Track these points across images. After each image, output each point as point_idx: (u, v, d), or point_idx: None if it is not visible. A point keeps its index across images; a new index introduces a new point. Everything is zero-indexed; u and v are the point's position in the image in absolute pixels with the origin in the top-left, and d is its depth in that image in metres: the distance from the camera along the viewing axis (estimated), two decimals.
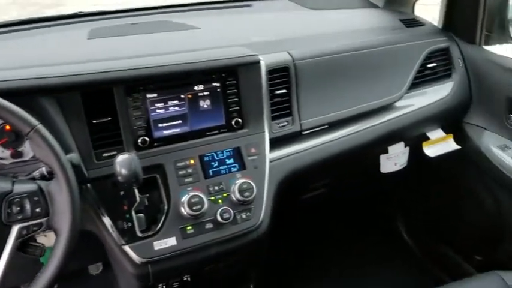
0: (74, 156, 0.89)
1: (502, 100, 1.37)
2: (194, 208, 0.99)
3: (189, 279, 1.08)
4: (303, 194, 1.42)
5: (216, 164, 1.08)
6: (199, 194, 1.01)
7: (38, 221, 0.80)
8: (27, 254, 0.84)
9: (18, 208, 0.79)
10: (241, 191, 1.04)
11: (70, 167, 0.82)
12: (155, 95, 1.02)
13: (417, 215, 1.88)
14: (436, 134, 1.46)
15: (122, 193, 0.99)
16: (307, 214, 1.73)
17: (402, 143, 1.42)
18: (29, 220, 0.80)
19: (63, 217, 0.80)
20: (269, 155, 1.13)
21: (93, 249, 1.36)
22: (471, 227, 1.58)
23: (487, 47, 1.44)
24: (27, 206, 0.79)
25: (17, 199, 0.79)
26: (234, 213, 1.04)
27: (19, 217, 0.79)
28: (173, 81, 1.04)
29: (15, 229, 0.79)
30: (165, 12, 1.46)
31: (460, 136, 1.48)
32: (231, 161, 1.09)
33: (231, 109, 1.10)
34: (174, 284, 1.07)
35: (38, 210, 0.80)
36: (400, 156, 1.43)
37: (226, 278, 1.20)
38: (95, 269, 1.67)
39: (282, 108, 1.18)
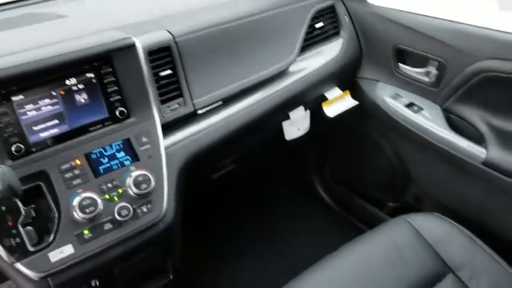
0: None
1: (390, 50, 1.41)
2: (87, 211, 0.93)
3: (97, 283, 1.03)
4: (212, 173, 1.39)
5: (106, 160, 1.01)
6: (91, 195, 0.95)
7: None
8: None
9: None
10: (137, 184, 0.99)
11: None
12: (22, 97, 0.93)
13: (329, 171, 1.93)
14: (333, 93, 1.48)
15: (3, 208, 0.91)
16: (221, 193, 1.72)
17: (302, 108, 1.43)
18: None
19: None
20: (163, 142, 1.09)
21: None
22: (379, 176, 1.65)
23: (371, 1, 1.47)
24: None
25: None
26: (134, 209, 0.99)
27: None
28: (40, 79, 0.95)
29: None
30: (27, 4, 1.34)
31: (356, 91, 1.51)
32: (122, 154, 1.03)
33: (112, 99, 1.03)
34: None
35: None
36: (301, 121, 1.44)
37: (141, 274, 1.16)
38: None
39: (170, 90, 1.13)
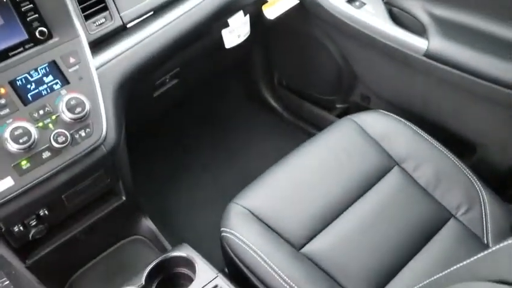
0: None
1: None
2: (21, 141, 0.89)
3: (46, 212, 1.02)
4: (154, 91, 1.34)
5: (34, 86, 0.95)
6: (23, 125, 0.90)
7: None
8: None
9: None
10: (70, 108, 0.94)
11: None
12: None
13: (277, 78, 1.91)
14: None
15: None
16: (166, 110, 1.68)
17: (241, 13, 1.36)
18: None
19: None
20: (94, 61, 1.02)
21: None
22: (326, 78, 1.64)
23: None
24: None
25: None
26: (71, 134, 0.95)
27: None
28: None
29: None
30: None
31: None
32: (50, 78, 0.96)
33: (29, 19, 0.94)
34: (31, 222, 1.00)
35: None
36: (241, 27, 1.38)
37: (92, 200, 1.15)
38: None
39: (93, 3, 1.04)
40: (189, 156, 1.82)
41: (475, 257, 0.54)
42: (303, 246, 1.03)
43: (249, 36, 1.43)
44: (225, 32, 1.35)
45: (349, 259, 1.01)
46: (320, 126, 1.75)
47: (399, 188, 1.12)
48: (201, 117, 1.93)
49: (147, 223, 1.50)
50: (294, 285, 0.94)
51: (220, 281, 0.96)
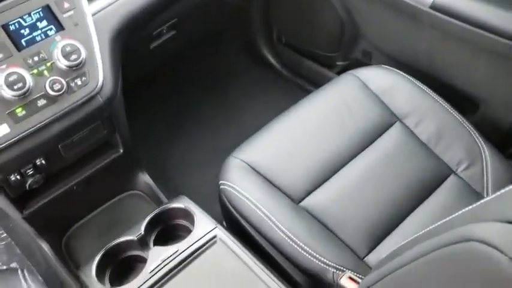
0: None
1: None
2: (15, 87, 0.87)
3: (43, 162, 1.00)
4: (150, 43, 1.31)
5: (27, 31, 0.92)
6: (17, 70, 0.87)
7: None
8: None
9: None
10: (66, 55, 0.92)
11: None
12: None
13: (276, 34, 1.86)
14: None
15: None
16: (163, 62, 1.64)
17: None
18: None
19: None
20: (90, 8, 0.99)
21: None
22: (327, 34, 1.60)
23: None
24: None
25: None
26: (67, 82, 0.93)
27: None
28: None
29: None
30: None
31: None
32: (44, 23, 0.93)
33: None
34: (28, 171, 0.99)
35: None
36: None
37: (89, 151, 1.14)
38: None
39: None
40: (185, 111, 1.79)
41: (479, 202, 0.53)
42: (301, 200, 1.02)
43: None
44: None
45: (348, 213, 1.00)
46: (319, 83, 1.70)
47: (400, 143, 1.11)
48: (198, 72, 1.89)
49: (144, 178, 1.49)
50: (293, 236, 0.94)
51: (219, 231, 0.96)
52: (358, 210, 1.01)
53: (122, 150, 1.22)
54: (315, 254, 0.92)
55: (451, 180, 1.06)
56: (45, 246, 1.35)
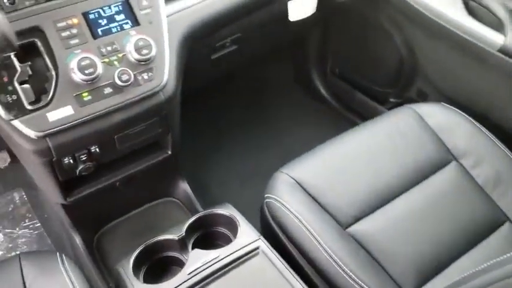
0: None
1: None
2: (86, 72, 0.89)
3: (97, 150, 1.01)
4: (212, 53, 1.33)
5: (105, 22, 0.95)
6: (90, 56, 0.90)
7: None
8: None
9: None
10: (138, 49, 0.94)
11: None
12: None
13: (330, 63, 1.87)
14: None
15: None
16: (219, 74, 1.67)
17: None
18: None
19: None
20: (165, 9, 1.02)
21: None
22: (385, 68, 1.60)
23: None
24: None
25: None
26: (135, 75, 0.95)
27: None
28: None
29: None
30: None
31: None
32: (122, 16, 0.97)
33: None
34: (82, 156, 1.00)
35: None
36: (308, 1, 1.35)
37: (140, 147, 1.15)
38: (2, 162, 1.57)
39: None
40: (231, 125, 1.81)
41: None
42: (349, 226, 0.99)
43: (311, 15, 1.40)
44: (291, 3, 1.33)
45: (397, 246, 0.97)
46: (369, 118, 1.70)
47: (455, 183, 1.08)
48: (249, 89, 1.92)
49: (184, 186, 1.49)
50: (338, 260, 0.91)
51: (262, 243, 0.94)
52: (409, 245, 0.97)
53: (170, 152, 1.22)
54: (359, 282, 0.88)
55: (506, 227, 1.02)
56: (77, 240, 1.35)
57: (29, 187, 1.62)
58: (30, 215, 1.57)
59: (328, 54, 1.85)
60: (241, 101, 1.90)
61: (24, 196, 1.61)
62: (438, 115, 1.18)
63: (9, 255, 1.49)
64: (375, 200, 1.03)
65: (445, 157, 1.12)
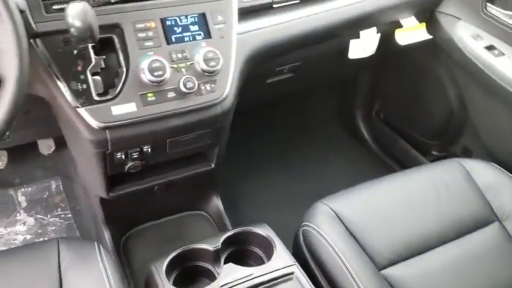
0: (20, 1, 0.79)
1: None
2: (155, 74, 0.92)
3: (149, 150, 1.04)
4: (269, 76, 1.36)
5: (179, 30, 0.99)
6: (161, 59, 0.94)
7: None
8: None
9: None
10: (206, 60, 0.97)
11: (15, 7, 0.73)
12: None
13: (375, 99, 1.88)
14: (409, 22, 1.41)
15: (75, 52, 0.90)
16: (268, 101, 1.71)
17: (374, 29, 1.36)
18: None
19: (8, 62, 0.71)
20: (237, 26, 1.05)
21: (43, 123, 1.30)
22: (433, 120, 1.60)
23: None
24: None
25: None
26: (198, 84, 0.98)
27: None
28: None
29: None
30: None
31: (432, 26, 1.43)
32: (196, 28, 1.00)
33: None
34: (134, 154, 1.03)
35: None
36: (370, 42, 1.38)
37: (187, 155, 1.17)
38: (47, 148, 1.62)
39: None
40: (271, 152, 1.83)
41: None
42: (384, 268, 0.98)
43: (369, 56, 1.42)
44: (353, 42, 1.36)
45: None
46: (408, 166, 1.69)
47: (496, 245, 1.06)
48: (293, 120, 1.94)
49: (217, 202, 1.50)
50: None
51: (296, 269, 0.93)
52: None
53: (213, 166, 1.24)
54: None
55: None
56: (106, 236, 1.37)
57: (66, 178, 1.66)
58: (63, 205, 1.61)
59: (376, 96, 1.87)
60: (284, 128, 1.92)
61: (61, 186, 1.65)
62: (486, 173, 1.17)
63: (37, 240, 1.51)
64: (413, 247, 1.02)
65: (488, 216, 1.10)
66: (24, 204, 1.60)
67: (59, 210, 1.60)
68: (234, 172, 1.72)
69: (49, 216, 1.58)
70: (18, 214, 1.57)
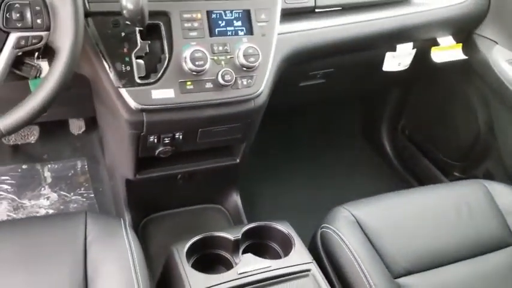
0: None
1: None
2: (197, 63, 0.95)
3: (180, 137, 1.07)
4: (303, 80, 1.38)
5: (223, 24, 1.02)
6: (203, 50, 0.97)
7: (38, 33, 0.75)
8: (21, 72, 0.80)
9: (18, 15, 0.73)
10: (246, 55, 1.00)
11: None
12: None
13: (404, 121, 1.89)
14: (446, 41, 1.42)
15: (122, 34, 0.94)
16: (301, 106, 1.73)
17: (411, 44, 1.38)
18: (28, 30, 0.74)
19: (65, 33, 0.75)
20: (279, 27, 1.08)
21: (79, 102, 1.34)
22: (458, 140, 1.60)
23: None
24: (28, 14, 0.74)
25: (17, 5, 0.73)
26: (236, 78, 1.00)
27: (18, 25, 0.74)
28: None
29: (13, 37, 0.74)
30: None
31: (468, 47, 1.44)
32: (239, 23, 1.03)
33: None
34: (166, 139, 1.06)
35: (39, 21, 0.75)
36: (406, 56, 1.39)
37: (214, 147, 1.20)
38: (77, 129, 1.66)
39: None
40: (293, 156, 1.85)
41: None
42: (399, 277, 0.99)
43: (402, 71, 1.44)
44: (388, 55, 1.37)
45: None
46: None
47: (511, 268, 1.06)
48: (319, 128, 1.96)
49: (236, 198, 1.52)
50: None
51: (313, 267, 0.95)
52: None
53: (238, 161, 1.27)
54: None
55: None
56: (127, 219, 1.40)
57: (92, 159, 1.70)
58: (86, 185, 1.65)
59: (403, 113, 1.87)
60: (310, 134, 1.94)
61: (86, 166, 1.70)
62: (508, 196, 1.17)
63: None
64: (429, 260, 1.02)
65: (506, 239, 1.10)
66: (49, 180, 1.65)
67: (82, 189, 1.64)
68: (255, 171, 1.74)
69: (72, 194, 1.62)
70: (43, 189, 1.62)
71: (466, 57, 1.43)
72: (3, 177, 1.59)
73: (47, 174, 1.65)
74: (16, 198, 1.56)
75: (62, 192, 1.62)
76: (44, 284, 0.84)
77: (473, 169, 1.59)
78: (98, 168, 1.68)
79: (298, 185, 1.75)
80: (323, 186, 1.76)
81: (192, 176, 1.36)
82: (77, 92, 1.23)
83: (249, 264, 0.93)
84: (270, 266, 0.93)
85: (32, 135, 1.59)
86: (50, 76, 0.75)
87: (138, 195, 1.37)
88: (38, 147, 1.67)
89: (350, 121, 2.04)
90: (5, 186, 1.58)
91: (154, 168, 1.21)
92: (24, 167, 1.63)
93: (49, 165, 1.67)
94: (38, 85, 0.76)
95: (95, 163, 1.69)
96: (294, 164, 1.82)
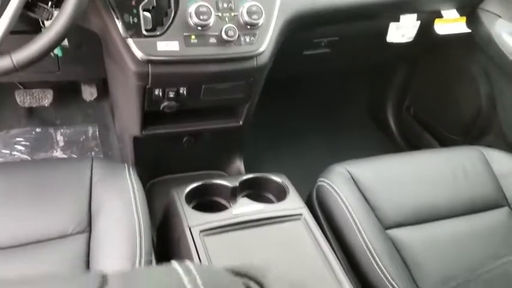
0: None
1: None
2: (201, 17, 0.99)
3: (185, 92, 1.12)
4: (306, 48, 1.42)
5: None
6: (208, 5, 1.01)
7: None
8: (34, 14, 0.85)
9: None
10: (249, 12, 1.04)
11: None
12: None
13: (406, 93, 1.91)
14: (450, 14, 1.44)
15: None
16: (306, 76, 1.75)
17: (415, 16, 1.40)
18: None
19: None
20: None
21: (90, 62, 1.39)
22: (460, 113, 1.62)
23: None
24: None
25: None
26: (239, 35, 1.04)
27: None
28: None
29: None
30: None
31: (472, 21, 1.46)
32: None
33: None
34: (170, 93, 1.10)
35: None
36: (409, 28, 1.42)
37: (218, 105, 1.24)
38: (90, 95, 1.72)
39: None
40: (295, 126, 1.90)
41: None
42: (389, 228, 1.02)
43: (406, 45, 1.46)
44: (392, 26, 1.40)
45: (432, 264, 0.99)
46: None
47: (503, 227, 1.09)
48: (320, 102, 1.99)
49: (239, 165, 1.57)
50: (374, 253, 0.95)
51: (305, 212, 0.99)
52: (443, 267, 0.99)
53: (241, 123, 1.31)
54: (389, 278, 0.91)
55: None
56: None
57: (103, 126, 1.76)
58: (97, 149, 1.71)
59: (408, 91, 1.89)
60: (310, 106, 1.97)
61: (97, 132, 1.76)
62: (503, 163, 1.20)
63: None
64: (421, 214, 1.06)
65: (499, 201, 1.13)
66: (61, 143, 1.71)
67: (93, 153, 1.70)
68: (259, 140, 1.79)
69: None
70: (54, 151, 1.68)
71: (469, 31, 1.45)
72: (18, 139, 1.66)
73: (59, 138, 1.72)
74: (29, 159, 1.63)
75: (73, 155, 1.68)
76: (51, 216, 0.89)
77: (475, 143, 1.59)
78: (108, 135, 1.74)
79: (301, 155, 1.79)
80: (325, 157, 1.78)
81: (197, 138, 1.40)
82: (89, 51, 1.29)
83: (244, 206, 0.98)
84: (263, 209, 0.97)
85: (46, 98, 1.65)
86: (62, 11, 0.79)
87: (145, 155, 1.42)
88: (51, 112, 1.73)
89: (355, 99, 2.06)
90: (20, 147, 1.64)
91: (160, 125, 1.26)
92: (38, 130, 1.70)
93: (61, 130, 1.73)
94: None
95: (105, 129, 1.75)
96: (298, 134, 1.86)
